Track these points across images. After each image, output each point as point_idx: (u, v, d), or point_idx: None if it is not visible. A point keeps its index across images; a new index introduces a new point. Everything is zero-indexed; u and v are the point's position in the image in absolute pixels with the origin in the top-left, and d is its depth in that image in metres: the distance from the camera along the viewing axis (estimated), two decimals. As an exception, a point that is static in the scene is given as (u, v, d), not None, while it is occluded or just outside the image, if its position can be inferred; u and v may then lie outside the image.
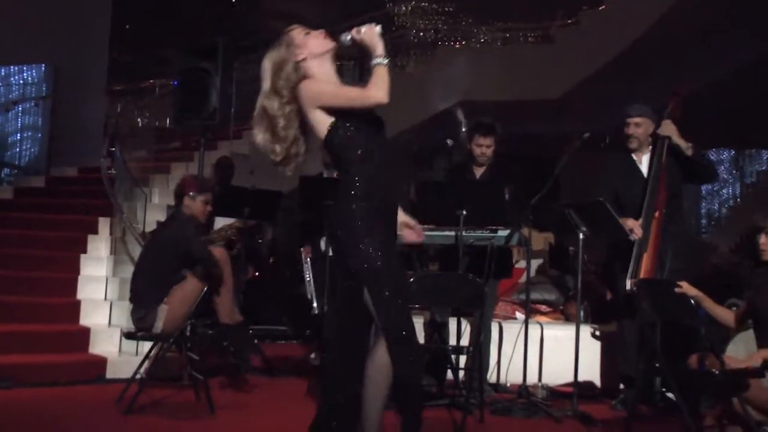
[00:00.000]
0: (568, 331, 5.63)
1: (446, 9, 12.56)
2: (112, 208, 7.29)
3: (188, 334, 5.09)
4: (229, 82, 7.04)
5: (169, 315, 5.15)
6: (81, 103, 10.00)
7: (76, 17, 9.99)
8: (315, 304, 6.80)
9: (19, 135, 10.21)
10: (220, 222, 6.92)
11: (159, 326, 5.14)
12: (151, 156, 9.88)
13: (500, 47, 12.37)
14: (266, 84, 3.45)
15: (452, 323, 5.53)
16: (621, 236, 5.16)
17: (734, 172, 16.42)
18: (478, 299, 4.80)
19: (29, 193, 8.99)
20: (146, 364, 5.14)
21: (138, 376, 5.03)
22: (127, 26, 13.44)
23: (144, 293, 5.27)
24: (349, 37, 3.42)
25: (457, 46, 12.47)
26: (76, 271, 6.82)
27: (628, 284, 5.10)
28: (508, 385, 5.81)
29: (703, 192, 15.71)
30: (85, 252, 7.05)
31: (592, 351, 6.00)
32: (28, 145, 10.21)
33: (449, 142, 6.29)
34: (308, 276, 6.90)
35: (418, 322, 5.38)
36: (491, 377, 5.80)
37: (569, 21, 11.61)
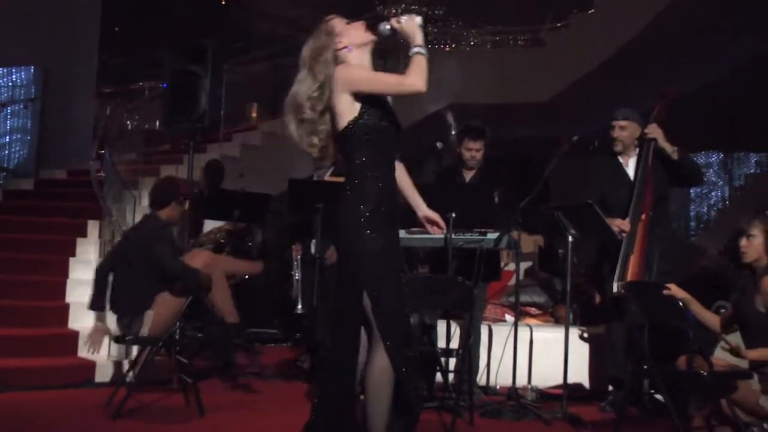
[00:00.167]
0: (558, 333, 5.64)
1: (436, 12, 12.57)
2: (102, 211, 7.27)
3: (177, 337, 5.08)
4: (218, 84, 7.03)
5: (155, 321, 5.05)
6: (70, 105, 9.97)
7: (65, 19, 9.96)
8: (300, 305, 6.79)
9: (7, 137, 10.14)
10: (210, 225, 6.92)
11: (145, 332, 5.05)
12: (140, 159, 9.86)
13: (490, 50, 12.39)
14: (303, 70, 3.44)
15: (442, 326, 5.54)
16: (609, 239, 5.18)
17: (723, 175, 16.49)
18: (468, 302, 4.81)
19: (18, 195, 8.95)
20: (135, 368, 5.13)
21: (127, 380, 5.01)
22: (116, 28, 13.42)
23: (125, 305, 5.09)
24: (388, 27, 3.43)
25: (447, 49, 12.48)
26: (65, 274, 6.80)
27: (615, 287, 5.13)
28: (498, 387, 5.83)
29: (692, 195, 15.77)
30: (74, 255, 7.03)
31: (581, 353, 6.02)
32: (17, 148, 10.15)
33: (439, 145, 6.29)
34: (297, 275, 6.88)
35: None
36: (481, 380, 5.81)
37: (559, 24, 11.63)
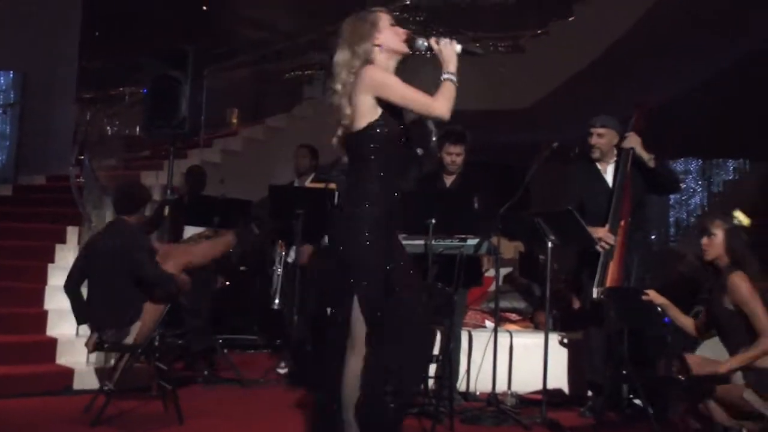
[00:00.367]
0: (537, 339, 5.66)
1: (417, 18, 12.58)
2: (81, 217, 7.22)
3: (156, 344, 5.06)
4: (199, 90, 7.00)
5: (140, 331, 5.00)
6: (50, 110, 9.92)
7: (45, 24, 9.91)
8: (277, 300, 6.76)
9: (-14, 142, 10.09)
10: (190, 231, 6.89)
11: (130, 341, 4.97)
12: (120, 164, 9.80)
13: (470, 57, 12.40)
14: (344, 45, 3.45)
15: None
16: (589, 245, 5.22)
17: (702, 181, 16.60)
18: (448, 308, 4.83)
19: (-4, 201, 8.88)
20: (115, 375, 5.09)
21: (105, 387, 4.98)
22: (97, 33, 13.34)
23: (110, 317, 4.95)
24: (426, 45, 3.45)
25: (428, 55, 12.49)
26: (44, 281, 6.75)
27: (595, 293, 5.16)
28: (478, 393, 5.84)
29: (672, 201, 15.85)
30: (52, 262, 6.98)
31: (560, 359, 6.04)
32: (-4, 153, 10.10)
33: (419, 151, 6.30)
34: (279, 269, 6.85)
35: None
36: (461, 386, 5.82)
37: (539, 31, 11.68)
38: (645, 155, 5.33)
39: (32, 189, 9.35)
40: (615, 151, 5.52)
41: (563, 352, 6.10)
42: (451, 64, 3.41)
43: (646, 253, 5.48)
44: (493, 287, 6.46)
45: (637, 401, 5.12)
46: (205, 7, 15.12)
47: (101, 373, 5.74)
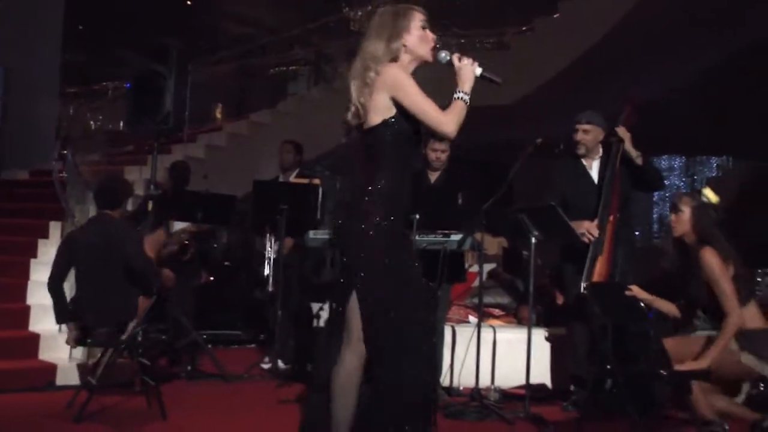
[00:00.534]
0: (520, 334, 5.68)
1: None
2: (64, 212, 7.19)
3: (140, 339, 5.04)
4: (183, 85, 6.97)
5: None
6: (32, 105, 9.85)
7: (27, 18, 9.85)
8: (271, 282, 6.71)
9: (-31, 138, 10.02)
10: (174, 226, 6.87)
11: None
12: (103, 159, 9.75)
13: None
14: (379, 37, 3.42)
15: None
16: (572, 240, 5.24)
17: (685, 178, 16.71)
18: (431, 303, 4.83)
19: (-21, 196, 8.82)
20: (98, 370, 5.08)
21: (88, 383, 4.97)
22: (80, 27, 13.27)
23: (99, 317, 4.92)
24: (448, 59, 3.45)
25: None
26: (26, 276, 6.72)
27: (583, 287, 5.17)
28: (461, 388, 5.85)
29: (656, 198, 15.94)
30: (35, 257, 6.95)
31: (543, 354, 6.07)
32: (-22, 148, 10.03)
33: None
34: (271, 254, 6.80)
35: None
36: (444, 381, 5.83)
37: (524, 28, 11.70)
38: (633, 152, 5.36)
39: (15, 184, 9.29)
40: (600, 147, 5.54)
41: (546, 347, 6.13)
42: (466, 84, 3.43)
43: (630, 249, 5.51)
44: (476, 283, 6.48)
45: (621, 396, 5.14)
46: (189, 2, 15.07)
47: (84, 368, 5.73)
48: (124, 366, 5.35)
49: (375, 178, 3.34)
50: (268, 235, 6.91)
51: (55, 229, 7.27)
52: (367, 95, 3.36)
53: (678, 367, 4.34)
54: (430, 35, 3.49)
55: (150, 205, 6.38)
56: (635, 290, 4.71)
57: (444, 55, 3.47)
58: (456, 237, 5.31)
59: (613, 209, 5.32)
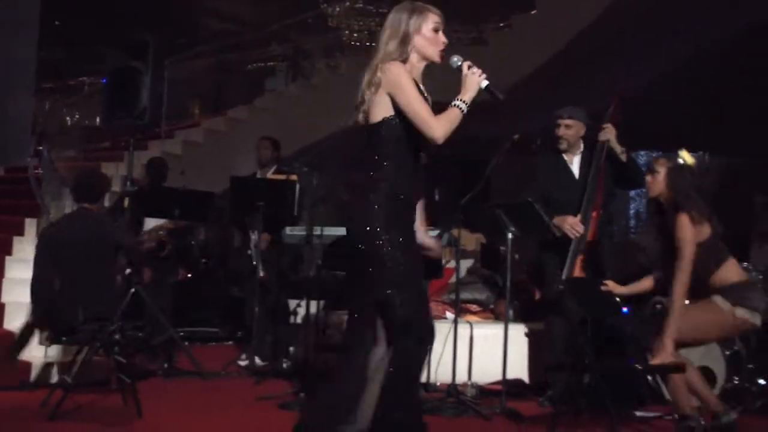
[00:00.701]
0: (497, 330, 5.69)
1: (380, 10, 12.57)
2: (39, 208, 7.13)
3: (116, 337, 5.00)
4: (160, 80, 6.95)
5: None
6: (8, 100, 9.73)
7: (2, 13, 9.74)
8: (260, 269, 6.65)
9: (-57, 134, 9.89)
10: (151, 223, 6.84)
11: None
12: (80, 155, 9.70)
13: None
14: (395, 34, 3.46)
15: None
16: (548, 236, 5.25)
17: (662, 173, 16.82)
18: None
19: (-47, 193, 8.72)
20: (73, 368, 5.04)
21: (64, 381, 4.93)
22: (56, 22, 13.16)
23: (86, 313, 4.87)
24: (458, 64, 3.46)
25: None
26: (1, 273, 6.65)
27: (563, 282, 5.19)
28: (438, 384, 5.84)
29: (632, 193, 16.00)
30: (10, 254, 6.88)
31: (520, 349, 6.08)
32: (-47, 144, 9.91)
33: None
34: (255, 238, 6.72)
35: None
36: (421, 377, 5.83)
37: (502, 24, 11.73)
38: (618, 148, 5.36)
39: (-10, 180, 9.20)
40: (582, 142, 5.55)
41: (523, 343, 6.15)
42: (468, 94, 3.45)
43: (611, 245, 5.55)
44: (453, 279, 6.49)
45: (597, 390, 5.17)
46: (166, -3, 14.97)
47: (59, 366, 5.68)
48: (100, 364, 5.31)
49: (381, 177, 3.38)
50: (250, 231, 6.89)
51: (31, 226, 7.20)
52: (372, 91, 3.40)
53: (653, 361, 4.37)
54: (442, 38, 3.52)
55: (126, 202, 6.35)
56: (611, 285, 4.74)
57: (456, 59, 3.51)
58: (433, 233, 5.31)
59: (596, 205, 5.34)
